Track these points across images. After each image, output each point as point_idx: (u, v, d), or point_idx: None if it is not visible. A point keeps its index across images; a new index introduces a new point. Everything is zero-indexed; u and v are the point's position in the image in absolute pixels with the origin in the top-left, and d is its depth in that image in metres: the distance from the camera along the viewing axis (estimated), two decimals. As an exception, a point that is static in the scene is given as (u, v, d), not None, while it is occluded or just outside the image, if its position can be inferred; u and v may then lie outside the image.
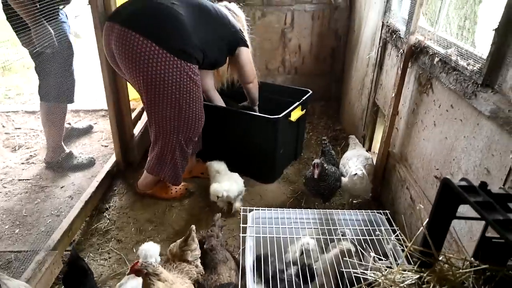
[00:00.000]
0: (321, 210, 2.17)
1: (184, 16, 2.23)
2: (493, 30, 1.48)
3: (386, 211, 2.15)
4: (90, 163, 3.10)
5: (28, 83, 4.86)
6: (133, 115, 3.17)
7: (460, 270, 1.01)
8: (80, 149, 3.38)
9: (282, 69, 4.07)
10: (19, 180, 2.93)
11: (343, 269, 1.73)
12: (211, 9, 2.40)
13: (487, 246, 1.01)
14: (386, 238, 1.94)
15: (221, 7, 2.55)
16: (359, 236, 1.95)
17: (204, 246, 1.96)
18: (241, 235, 1.94)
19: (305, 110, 3.03)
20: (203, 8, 2.38)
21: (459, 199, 0.97)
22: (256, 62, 2.87)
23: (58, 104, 2.90)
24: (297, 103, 2.87)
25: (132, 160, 3.08)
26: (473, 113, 1.66)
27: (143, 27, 2.17)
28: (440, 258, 1.06)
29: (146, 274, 1.52)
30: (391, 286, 1.09)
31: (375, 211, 2.15)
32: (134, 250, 2.28)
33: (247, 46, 2.61)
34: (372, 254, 1.71)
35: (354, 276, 1.52)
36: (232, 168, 2.76)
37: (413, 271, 1.09)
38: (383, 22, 2.76)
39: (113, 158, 3.01)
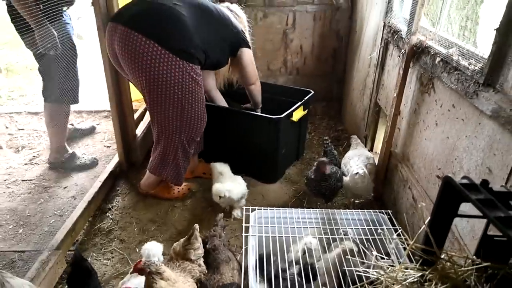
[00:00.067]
0: (323, 209, 2.17)
1: (186, 17, 2.25)
2: (494, 29, 1.49)
3: (388, 210, 2.16)
4: (93, 164, 3.11)
5: (31, 84, 4.89)
6: (136, 115, 3.18)
7: (462, 268, 1.01)
8: (83, 150, 3.39)
9: (284, 69, 4.08)
10: (23, 180, 2.94)
11: (346, 268, 1.73)
12: (213, 10, 2.41)
13: (489, 244, 1.01)
14: (388, 238, 1.95)
15: (223, 8, 2.56)
16: (361, 235, 1.96)
17: (207, 246, 1.96)
18: (243, 234, 1.94)
19: (307, 110, 3.03)
20: (205, 9, 2.39)
21: (461, 197, 0.97)
22: (257, 62, 2.87)
23: (62, 105, 2.92)
24: (299, 103, 2.87)
25: (134, 160, 3.10)
26: (474, 113, 1.66)
27: (145, 27, 2.18)
28: (442, 256, 1.06)
29: (149, 273, 1.53)
30: (393, 284, 1.09)
31: (377, 210, 2.15)
32: (137, 250, 2.29)
33: (249, 47, 2.62)
34: (375, 253, 1.72)
35: (357, 275, 1.52)
36: (234, 169, 2.75)
37: (415, 269, 1.10)
38: (384, 23, 2.77)
39: (115, 159, 3.02)
